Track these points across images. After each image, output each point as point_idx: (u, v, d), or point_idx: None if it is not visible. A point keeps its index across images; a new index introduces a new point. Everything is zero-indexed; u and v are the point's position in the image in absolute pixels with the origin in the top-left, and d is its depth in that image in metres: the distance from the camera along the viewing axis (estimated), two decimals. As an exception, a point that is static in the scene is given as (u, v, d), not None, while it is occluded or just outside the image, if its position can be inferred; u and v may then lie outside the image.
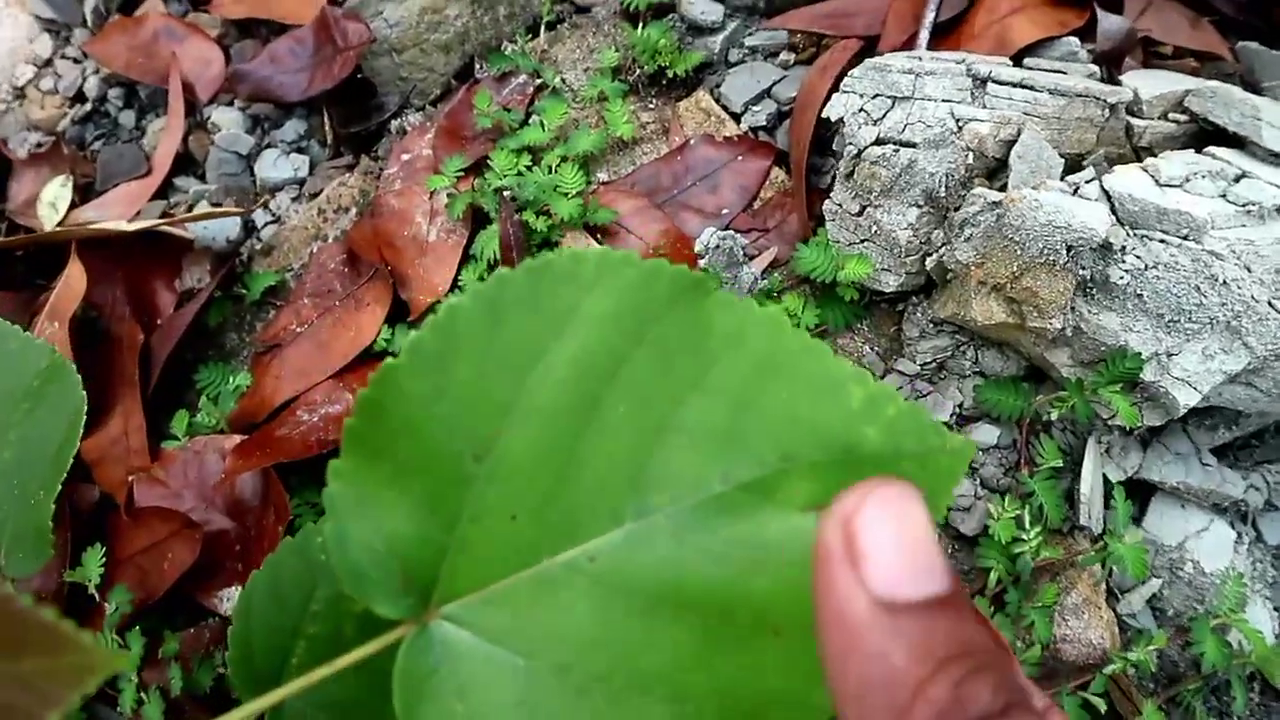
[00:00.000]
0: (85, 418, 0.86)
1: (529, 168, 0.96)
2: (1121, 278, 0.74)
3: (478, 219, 0.96)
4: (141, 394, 0.92)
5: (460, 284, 0.92)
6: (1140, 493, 0.83)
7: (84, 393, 0.68)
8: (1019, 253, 0.74)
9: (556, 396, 0.36)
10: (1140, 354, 0.74)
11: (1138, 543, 0.74)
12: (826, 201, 0.86)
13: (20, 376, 0.74)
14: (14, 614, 0.27)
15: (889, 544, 0.27)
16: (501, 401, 0.36)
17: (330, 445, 0.84)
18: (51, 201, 1.08)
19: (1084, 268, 0.74)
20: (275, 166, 1.07)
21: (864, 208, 0.83)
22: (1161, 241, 0.74)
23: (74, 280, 0.93)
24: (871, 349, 0.86)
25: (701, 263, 0.88)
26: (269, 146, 1.08)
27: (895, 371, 0.84)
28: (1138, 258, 0.74)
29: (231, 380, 0.91)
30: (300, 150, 1.08)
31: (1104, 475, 0.81)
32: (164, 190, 1.08)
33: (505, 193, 0.92)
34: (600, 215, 0.93)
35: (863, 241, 0.84)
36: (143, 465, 0.87)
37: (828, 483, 0.35)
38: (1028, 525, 0.75)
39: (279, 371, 0.90)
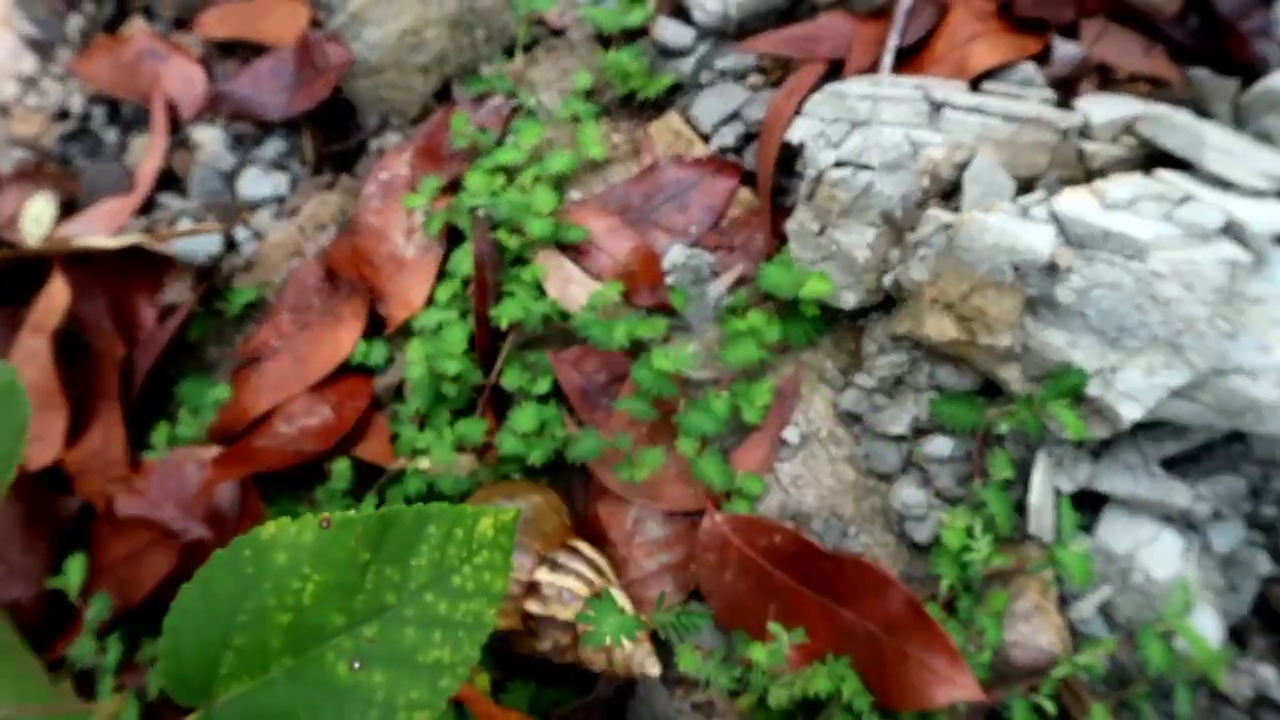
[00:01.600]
0: (66, 430, 0.88)
1: (504, 187, 0.99)
2: (1067, 296, 0.77)
3: (453, 237, 0.99)
4: (123, 407, 0.94)
5: (435, 300, 0.95)
6: (1093, 504, 0.86)
7: (30, 411, 0.70)
8: (968, 272, 0.77)
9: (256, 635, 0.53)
10: (1084, 370, 0.77)
11: (1084, 551, 0.77)
12: (789, 221, 0.89)
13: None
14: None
15: None
16: (222, 634, 0.53)
17: (308, 456, 0.87)
18: (35, 217, 1.10)
19: (1031, 286, 0.77)
20: (256, 184, 1.09)
21: (824, 227, 0.86)
22: (1106, 262, 0.78)
23: (57, 295, 0.95)
24: (833, 364, 0.89)
25: (669, 279, 0.91)
26: (250, 164, 1.11)
27: (854, 386, 0.87)
28: (1083, 277, 0.77)
29: (211, 393, 0.93)
30: (281, 168, 1.11)
31: (1055, 487, 0.84)
32: (147, 207, 1.10)
33: (480, 212, 0.95)
34: (572, 234, 0.95)
35: (824, 260, 0.87)
36: (123, 476, 0.89)
37: None
38: (978, 534, 0.78)
39: (258, 384, 0.92)
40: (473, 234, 0.95)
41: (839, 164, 0.85)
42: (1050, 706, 0.78)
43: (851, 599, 0.77)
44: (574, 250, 0.96)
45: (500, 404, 0.91)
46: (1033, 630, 0.80)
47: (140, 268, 1.03)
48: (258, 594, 0.53)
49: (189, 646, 0.53)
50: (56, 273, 0.97)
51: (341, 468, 0.87)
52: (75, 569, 0.81)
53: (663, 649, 0.81)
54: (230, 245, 1.07)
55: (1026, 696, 0.79)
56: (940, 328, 0.80)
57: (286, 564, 0.53)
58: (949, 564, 0.78)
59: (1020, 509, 0.82)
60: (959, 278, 0.78)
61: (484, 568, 0.54)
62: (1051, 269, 0.77)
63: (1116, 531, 0.85)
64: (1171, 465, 0.87)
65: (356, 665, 0.53)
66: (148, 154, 1.12)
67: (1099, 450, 0.86)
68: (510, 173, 1.01)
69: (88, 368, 0.98)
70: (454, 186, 1.01)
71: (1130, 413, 0.77)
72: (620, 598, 0.75)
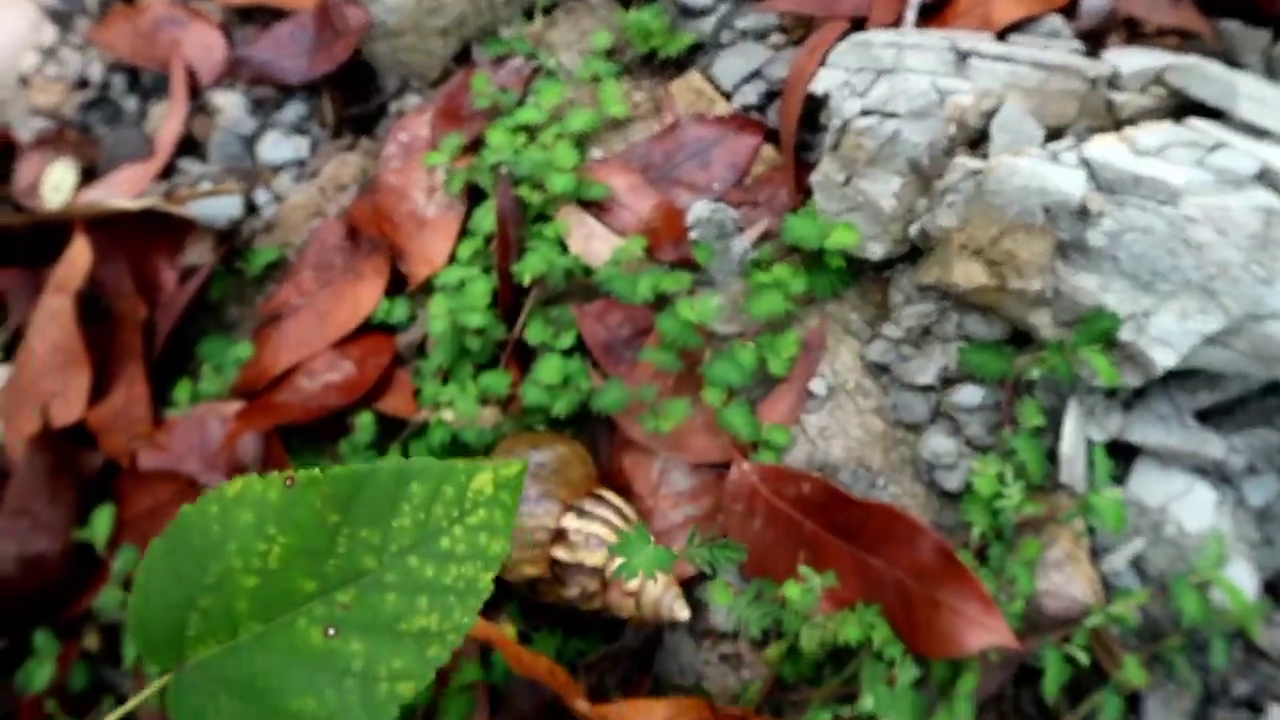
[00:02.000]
0: (90, 388, 0.88)
1: (525, 146, 0.98)
2: (1098, 240, 0.76)
3: (474, 195, 0.98)
4: (145, 366, 0.94)
5: (457, 257, 0.94)
6: (1124, 456, 0.85)
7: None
8: (998, 216, 0.76)
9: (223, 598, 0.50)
10: (1117, 314, 0.76)
11: (1118, 498, 0.76)
12: (814, 173, 0.88)
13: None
14: None
15: None
16: (189, 595, 0.50)
17: (331, 410, 0.87)
18: (55, 184, 1.10)
19: (1062, 230, 0.76)
20: (277, 148, 1.09)
21: (850, 177, 0.85)
22: (1138, 207, 0.77)
23: (78, 255, 0.95)
24: (859, 316, 0.88)
25: (692, 234, 0.91)
26: (270, 128, 1.11)
27: (881, 337, 0.86)
28: (1114, 221, 0.76)
29: (233, 351, 0.93)
30: (301, 132, 1.11)
31: (1087, 437, 0.83)
32: (167, 172, 1.10)
33: (502, 169, 0.94)
34: (594, 190, 0.95)
35: (849, 210, 0.86)
36: (146, 433, 0.89)
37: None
38: (1009, 481, 0.77)
39: (280, 342, 0.92)
40: (494, 191, 0.94)
41: (864, 113, 0.84)
42: (1083, 657, 0.77)
43: (881, 547, 0.76)
44: (596, 207, 0.96)
45: (524, 359, 0.90)
46: (1065, 579, 0.79)
47: (161, 232, 1.03)
48: (223, 555, 0.50)
49: (156, 607, 0.50)
50: (78, 233, 0.97)
51: (365, 421, 0.86)
52: (103, 520, 0.81)
53: (690, 600, 0.80)
54: (251, 209, 1.06)
55: (1059, 647, 0.78)
56: (969, 274, 0.79)
57: (252, 524, 0.49)
58: (980, 511, 0.77)
59: (1051, 458, 0.81)
60: (988, 222, 0.77)
61: (479, 528, 0.50)
62: (1082, 213, 0.76)
63: (1148, 484, 0.84)
64: (1205, 418, 0.86)
65: (331, 632, 0.49)
66: (167, 119, 1.12)
67: (1130, 401, 0.85)
68: (531, 132, 1.00)
69: (110, 329, 0.98)
70: (475, 146, 1.01)
71: (1164, 359, 0.76)
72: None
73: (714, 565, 0.63)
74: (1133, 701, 0.84)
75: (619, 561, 0.75)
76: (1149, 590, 0.80)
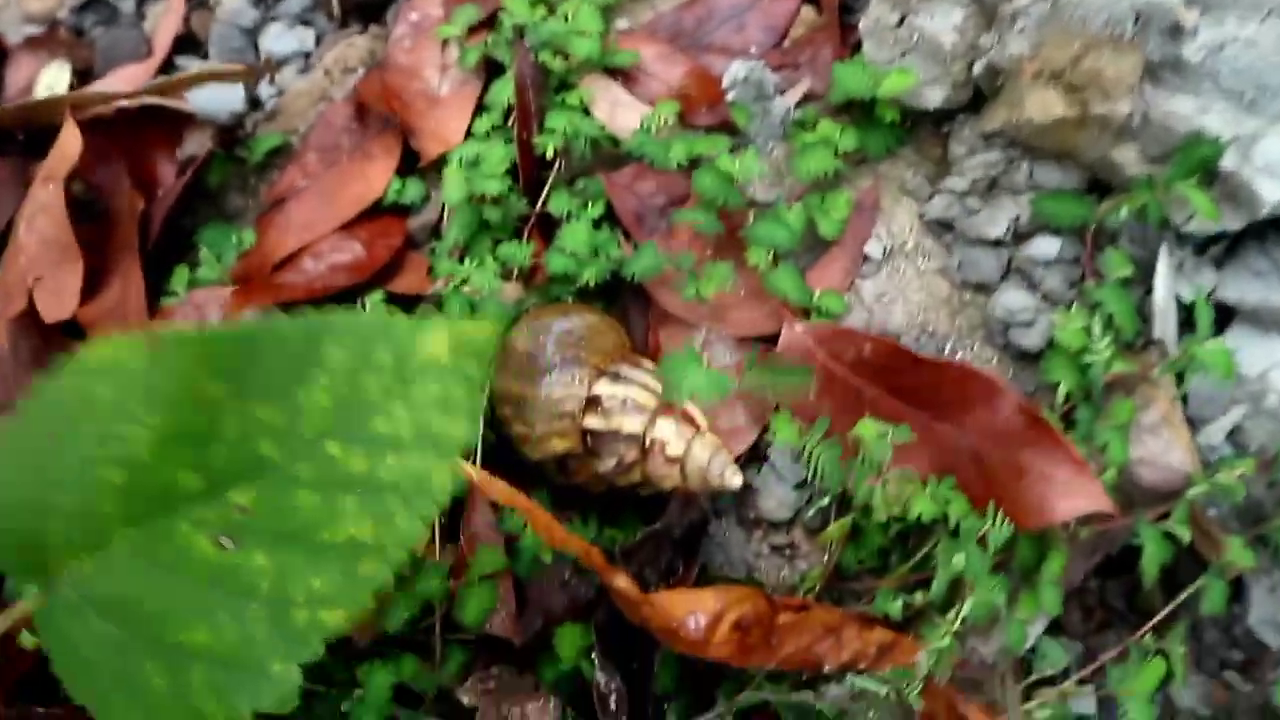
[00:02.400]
0: (83, 283, 0.81)
1: (545, 18, 0.90)
2: (1195, 55, 0.67)
3: (491, 71, 0.91)
4: (141, 259, 0.87)
5: (473, 133, 0.87)
6: (1218, 324, 0.76)
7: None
8: (1079, 31, 0.68)
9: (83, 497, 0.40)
10: (1219, 138, 0.67)
11: (1223, 348, 0.67)
12: (862, 20, 0.80)
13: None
14: None
15: None
16: (44, 493, 0.40)
17: (337, 290, 0.80)
18: (49, 85, 1.04)
19: (1151, 50, 0.68)
20: (280, 40, 1.02)
21: (904, 17, 0.77)
22: (1239, 20, 0.68)
23: (68, 143, 0.88)
24: (915, 174, 0.80)
25: (729, 96, 0.83)
26: (273, 20, 1.04)
27: (944, 191, 0.77)
28: (1212, 35, 0.67)
29: (235, 236, 0.86)
30: (305, 23, 1.04)
31: (1176, 295, 0.74)
32: (166, 70, 1.04)
33: (521, 35, 0.87)
34: (620, 58, 0.87)
35: (904, 55, 0.78)
36: (142, 324, 0.82)
37: None
38: (1098, 335, 0.68)
39: (283, 226, 0.85)
40: (512, 61, 0.87)
41: (920, -57, 0.76)
42: (1184, 534, 0.68)
43: (955, 411, 0.68)
44: (622, 76, 0.88)
45: (547, 235, 0.82)
46: (1163, 446, 0.70)
47: (158, 126, 0.96)
48: (78, 440, 0.39)
49: (10, 507, 0.40)
50: (68, 122, 0.90)
51: (375, 300, 0.79)
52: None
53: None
54: (255, 104, 1.00)
55: (1156, 524, 0.69)
56: (1045, 105, 0.70)
57: (111, 401, 0.38)
58: (1066, 368, 0.68)
59: (1139, 313, 0.72)
60: (1067, 40, 0.68)
61: (430, 406, 0.38)
62: (1175, 30, 0.68)
63: (1246, 349, 0.75)
64: (1307, 278, 0.77)
65: (226, 543, 0.39)
66: (165, 15, 1.05)
67: (1222, 260, 0.76)
68: (551, 6, 0.92)
69: (106, 227, 0.91)
70: (490, 23, 0.93)
71: (1271, 192, 0.67)
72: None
73: (776, 393, 0.55)
74: (1234, 590, 0.75)
75: (659, 427, 0.68)
76: (1255, 460, 0.71)
